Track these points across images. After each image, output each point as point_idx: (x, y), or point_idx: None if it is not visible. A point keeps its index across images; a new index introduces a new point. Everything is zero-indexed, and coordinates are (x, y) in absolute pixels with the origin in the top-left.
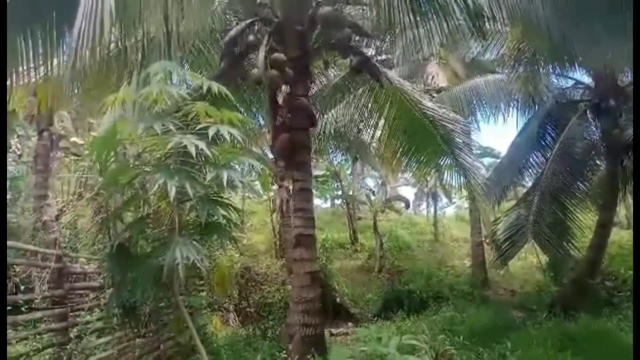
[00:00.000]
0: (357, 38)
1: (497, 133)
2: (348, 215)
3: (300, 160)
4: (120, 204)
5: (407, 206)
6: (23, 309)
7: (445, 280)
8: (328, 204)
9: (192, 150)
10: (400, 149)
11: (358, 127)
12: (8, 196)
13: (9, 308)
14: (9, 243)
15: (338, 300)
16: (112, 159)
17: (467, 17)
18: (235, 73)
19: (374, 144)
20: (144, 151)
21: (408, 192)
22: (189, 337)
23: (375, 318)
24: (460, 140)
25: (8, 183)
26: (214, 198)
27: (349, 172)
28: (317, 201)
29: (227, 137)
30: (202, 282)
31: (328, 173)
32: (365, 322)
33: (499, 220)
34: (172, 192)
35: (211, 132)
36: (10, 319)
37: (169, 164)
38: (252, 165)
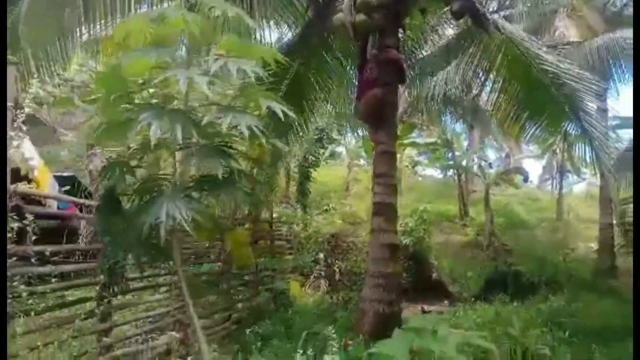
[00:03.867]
0: None
1: None
2: (459, 187)
3: (384, 120)
4: (120, 150)
5: (525, 180)
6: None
7: (563, 264)
8: (442, 175)
9: (183, 86)
10: (513, 113)
11: (472, 91)
12: None
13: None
14: (55, 194)
15: (434, 276)
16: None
17: None
18: (322, 23)
19: (490, 109)
20: (142, 88)
21: (534, 166)
22: (266, 300)
23: (474, 299)
24: (588, 104)
25: None
26: (218, 147)
27: (466, 142)
28: (429, 171)
29: (234, 72)
30: (290, 245)
31: (439, 141)
32: (463, 302)
33: (629, 199)
34: (156, 135)
35: (215, 66)
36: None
37: (159, 103)
38: (356, 131)
